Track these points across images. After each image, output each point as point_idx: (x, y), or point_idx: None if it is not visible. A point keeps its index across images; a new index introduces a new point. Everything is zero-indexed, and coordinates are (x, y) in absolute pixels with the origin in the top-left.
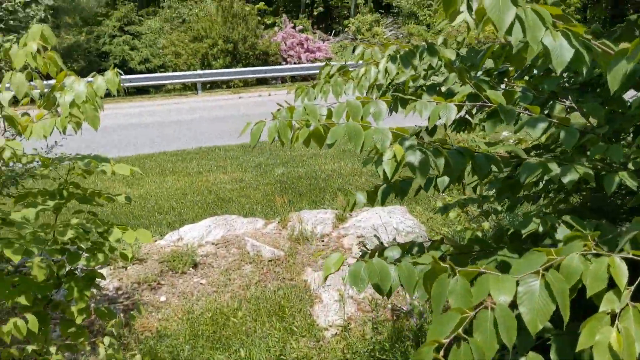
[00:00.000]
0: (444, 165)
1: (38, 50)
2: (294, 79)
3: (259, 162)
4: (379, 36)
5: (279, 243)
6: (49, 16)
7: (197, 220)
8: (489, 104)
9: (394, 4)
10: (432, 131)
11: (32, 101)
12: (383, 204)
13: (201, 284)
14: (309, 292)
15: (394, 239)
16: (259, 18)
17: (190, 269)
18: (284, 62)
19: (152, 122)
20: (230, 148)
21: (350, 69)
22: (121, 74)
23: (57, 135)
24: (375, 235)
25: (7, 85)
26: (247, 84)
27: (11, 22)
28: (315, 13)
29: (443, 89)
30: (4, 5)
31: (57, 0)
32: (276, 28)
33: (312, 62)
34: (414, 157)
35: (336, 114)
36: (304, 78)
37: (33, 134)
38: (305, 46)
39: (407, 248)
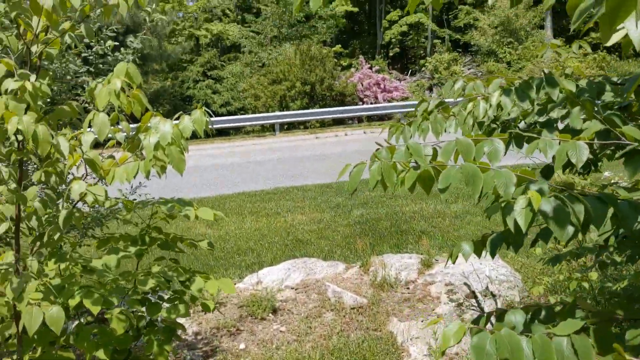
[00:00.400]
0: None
1: (122, 89)
2: (370, 118)
3: (338, 203)
4: (457, 74)
5: (361, 289)
6: (137, 59)
7: (276, 263)
8: (621, 142)
9: (472, 43)
10: (548, 174)
11: (120, 143)
12: (493, 256)
13: (281, 331)
14: (395, 344)
15: (486, 288)
16: (336, 60)
17: (270, 314)
18: (361, 103)
19: (231, 163)
20: (308, 188)
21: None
22: (210, 114)
23: (141, 175)
24: (465, 284)
25: (89, 127)
26: (323, 124)
27: (101, 65)
28: (391, 54)
29: (561, 125)
30: (94, 49)
31: (145, 47)
32: (352, 69)
33: (389, 101)
34: (548, 205)
35: (444, 153)
36: (381, 118)
37: (115, 179)
38: (382, 86)
39: (531, 312)
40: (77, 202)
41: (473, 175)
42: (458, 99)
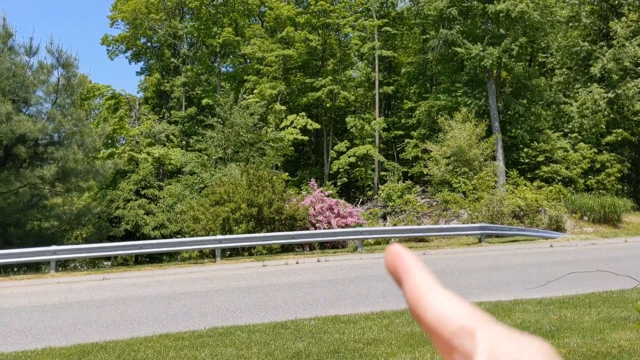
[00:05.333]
0: None
1: None
2: (323, 245)
3: (297, 350)
4: (411, 203)
5: None
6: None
7: None
8: None
9: (425, 172)
10: None
11: None
12: None
13: None
14: None
15: None
16: (285, 185)
17: None
18: (313, 228)
19: (158, 294)
20: (256, 329)
21: None
22: None
23: None
24: None
25: None
26: (271, 250)
27: None
28: (339, 183)
29: None
30: None
31: (69, 161)
32: (304, 192)
33: (343, 227)
34: None
35: None
36: (334, 245)
37: None
38: (335, 211)
39: None
40: None
41: None
42: None
